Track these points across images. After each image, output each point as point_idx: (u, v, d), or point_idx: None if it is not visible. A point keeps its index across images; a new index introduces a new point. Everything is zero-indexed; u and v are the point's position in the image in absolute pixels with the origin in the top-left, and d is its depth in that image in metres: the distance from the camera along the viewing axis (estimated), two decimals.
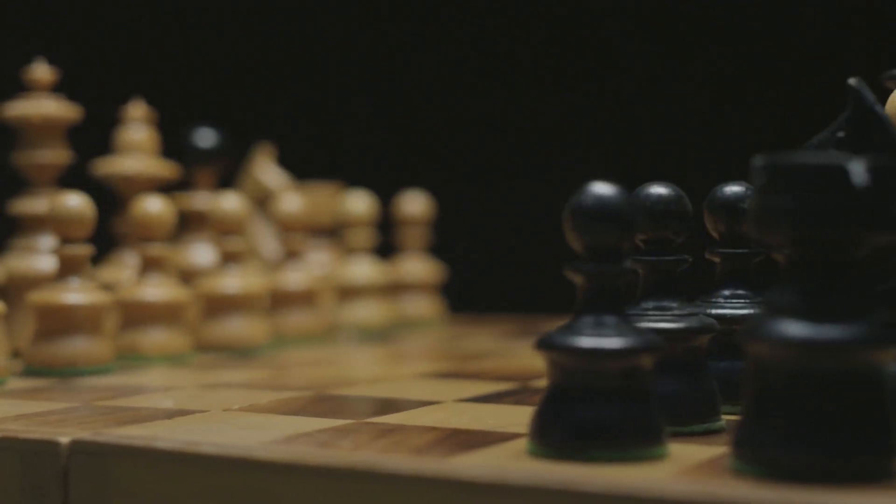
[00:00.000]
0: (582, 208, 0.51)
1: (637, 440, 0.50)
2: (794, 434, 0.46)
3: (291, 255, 0.99)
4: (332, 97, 1.38)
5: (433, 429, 0.57)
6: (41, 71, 0.88)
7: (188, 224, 1.00)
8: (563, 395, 0.51)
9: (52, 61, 0.89)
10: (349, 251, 1.08)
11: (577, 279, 0.52)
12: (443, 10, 1.36)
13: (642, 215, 0.58)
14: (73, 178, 0.90)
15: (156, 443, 0.53)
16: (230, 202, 0.91)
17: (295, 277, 0.98)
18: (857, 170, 0.46)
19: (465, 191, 1.28)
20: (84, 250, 0.78)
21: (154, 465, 0.53)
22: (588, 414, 0.50)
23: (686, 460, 0.50)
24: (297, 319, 0.97)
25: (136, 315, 0.84)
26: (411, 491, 0.48)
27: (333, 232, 1.10)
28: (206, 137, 1.01)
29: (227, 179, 1.04)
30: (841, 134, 0.54)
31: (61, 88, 0.90)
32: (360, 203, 1.08)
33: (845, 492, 0.44)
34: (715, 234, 0.62)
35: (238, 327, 0.90)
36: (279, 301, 0.97)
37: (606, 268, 0.51)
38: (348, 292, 1.06)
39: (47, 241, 0.87)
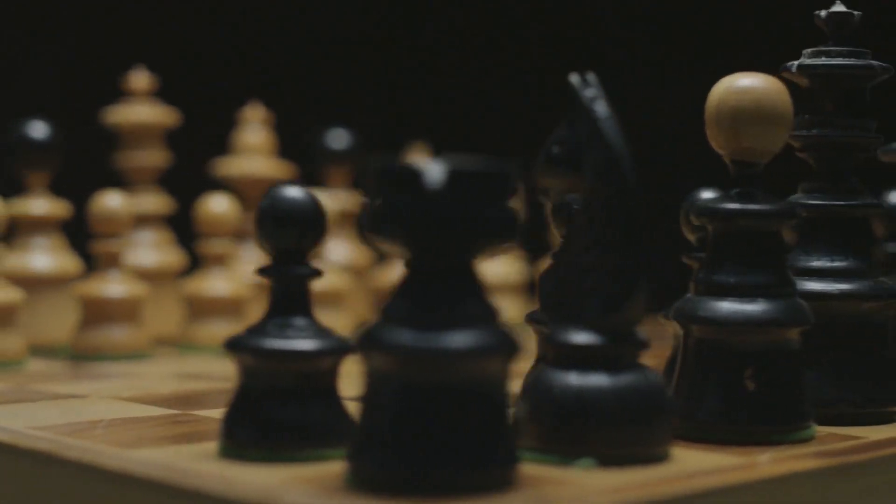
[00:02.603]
0: (264, 212, 0.52)
1: (312, 441, 0.51)
2: (400, 446, 0.45)
3: None
4: (490, 96, 1.39)
5: None
6: (140, 78, 0.96)
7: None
8: (245, 395, 0.52)
9: (177, 62, 0.96)
10: None
11: (267, 281, 0.52)
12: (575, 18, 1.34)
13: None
14: (194, 178, 0.97)
15: None
16: None
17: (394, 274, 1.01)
18: (434, 172, 0.45)
19: None
20: (121, 245, 0.85)
21: None
22: (266, 414, 0.51)
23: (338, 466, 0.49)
24: None
25: (197, 308, 0.90)
26: (73, 475, 0.51)
27: None
28: (338, 138, 1.05)
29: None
30: (562, 133, 0.52)
31: (185, 90, 0.97)
32: None
33: None
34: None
35: None
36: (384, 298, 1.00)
37: (293, 270, 0.52)
38: None
39: (145, 237, 0.95)
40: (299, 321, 0.52)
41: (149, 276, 0.93)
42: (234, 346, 0.51)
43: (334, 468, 0.48)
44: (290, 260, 0.52)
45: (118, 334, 0.84)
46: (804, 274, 0.60)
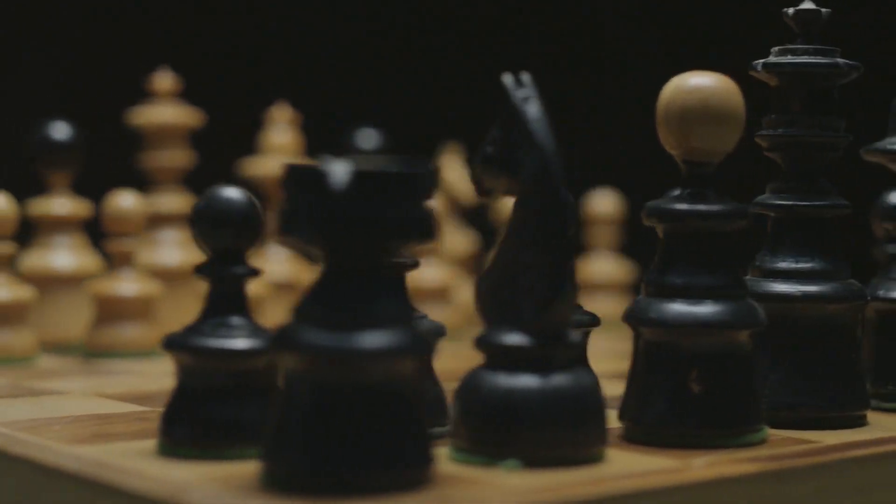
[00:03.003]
0: (201, 212, 0.53)
1: (247, 439, 0.51)
2: (311, 446, 0.45)
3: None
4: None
5: None
6: (164, 79, 0.97)
7: None
8: (182, 393, 0.52)
9: (203, 62, 0.98)
10: None
11: (204, 281, 0.53)
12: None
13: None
14: (223, 177, 0.98)
15: None
16: None
17: (430, 273, 1.01)
18: (338, 173, 0.45)
19: (656, 188, 1.24)
20: (134, 245, 0.86)
21: None
22: (202, 412, 0.51)
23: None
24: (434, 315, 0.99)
25: None
26: (17, 470, 0.52)
27: None
28: (367, 138, 1.06)
29: None
30: (496, 133, 0.52)
31: (211, 90, 0.98)
32: None
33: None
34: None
35: None
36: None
37: (229, 270, 0.53)
38: None
39: (169, 235, 0.96)
40: (236, 320, 0.52)
41: (171, 275, 0.94)
42: (170, 344, 0.52)
43: (253, 468, 0.48)
44: (226, 260, 0.52)
45: (130, 332, 0.85)
46: (770, 275, 0.60)
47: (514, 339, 0.50)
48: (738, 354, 0.55)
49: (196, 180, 0.98)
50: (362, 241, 0.45)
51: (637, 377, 0.55)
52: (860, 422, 0.60)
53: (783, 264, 0.60)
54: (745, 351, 0.55)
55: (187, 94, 0.98)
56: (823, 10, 0.60)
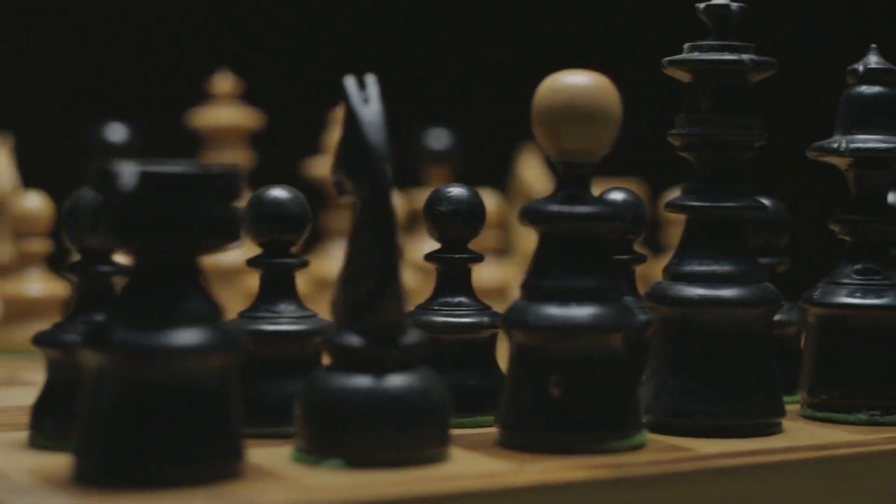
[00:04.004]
0: (65, 213, 0.55)
1: None
2: (117, 442, 0.46)
3: None
4: None
5: None
6: (224, 81, 1.00)
7: (419, 221, 1.06)
8: (50, 387, 0.55)
9: (266, 64, 1.00)
10: None
11: (72, 280, 0.55)
12: None
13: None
14: (285, 178, 1.01)
15: None
16: None
17: (490, 272, 1.01)
18: (127, 174, 0.46)
19: None
20: None
21: None
22: (66, 406, 0.53)
23: None
24: None
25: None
26: None
27: None
28: (438, 138, 1.06)
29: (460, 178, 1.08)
30: (342, 136, 0.52)
31: (280, 90, 1.01)
32: None
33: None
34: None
35: None
36: None
37: (96, 269, 0.55)
38: None
39: None
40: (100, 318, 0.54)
41: (227, 274, 0.97)
42: (38, 341, 0.54)
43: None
44: (93, 258, 0.54)
45: None
46: (678, 279, 0.58)
47: (349, 340, 0.50)
48: (608, 358, 0.53)
49: (260, 181, 1.01)
50: (156, 241, 0.47)
51: (508, 382, 0.55)
52: (770, 430, 0.57)
53: (689, 267, 0.58)
54: (617, 355, 0.54)
55: (251, 96, 1.01)
56: (734, 4, 0.58)
